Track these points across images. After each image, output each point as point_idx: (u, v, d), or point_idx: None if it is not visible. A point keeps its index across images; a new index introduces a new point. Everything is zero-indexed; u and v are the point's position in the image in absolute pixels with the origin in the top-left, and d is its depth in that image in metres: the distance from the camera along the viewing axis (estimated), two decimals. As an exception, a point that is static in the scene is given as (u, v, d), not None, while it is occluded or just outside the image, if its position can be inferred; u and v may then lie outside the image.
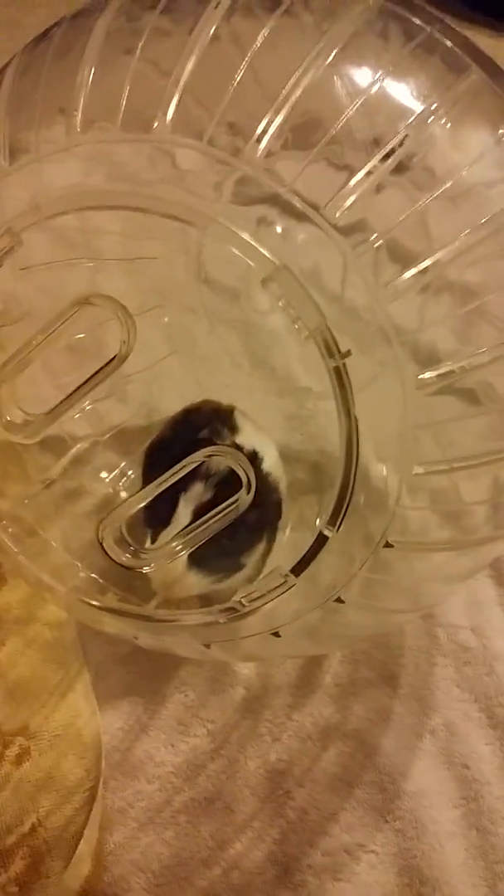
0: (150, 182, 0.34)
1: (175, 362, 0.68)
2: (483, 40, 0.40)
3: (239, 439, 0.51)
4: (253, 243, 0.33)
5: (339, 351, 0.34)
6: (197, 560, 0.46)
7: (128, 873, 0.48)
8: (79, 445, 0.62)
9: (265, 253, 0.33)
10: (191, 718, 0.53)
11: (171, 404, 0.59)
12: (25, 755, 0.51)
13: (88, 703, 0.54)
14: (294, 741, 0.52)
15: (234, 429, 0.52)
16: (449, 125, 0.36)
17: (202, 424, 0.52)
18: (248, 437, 0.52)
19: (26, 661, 0.55)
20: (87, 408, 0.65)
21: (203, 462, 0.45)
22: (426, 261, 0.34)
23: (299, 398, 0.67)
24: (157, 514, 0.47)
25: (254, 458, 0.49)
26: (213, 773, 0.51)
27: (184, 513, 0.45)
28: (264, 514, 0.51)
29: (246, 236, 0.33)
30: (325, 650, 0.55)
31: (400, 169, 0.35)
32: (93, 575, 0.49)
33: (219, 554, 0.47)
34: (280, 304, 0.34)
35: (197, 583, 0.47)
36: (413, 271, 0.34)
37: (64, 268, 0.58)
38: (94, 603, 0.47)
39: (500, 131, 0.37)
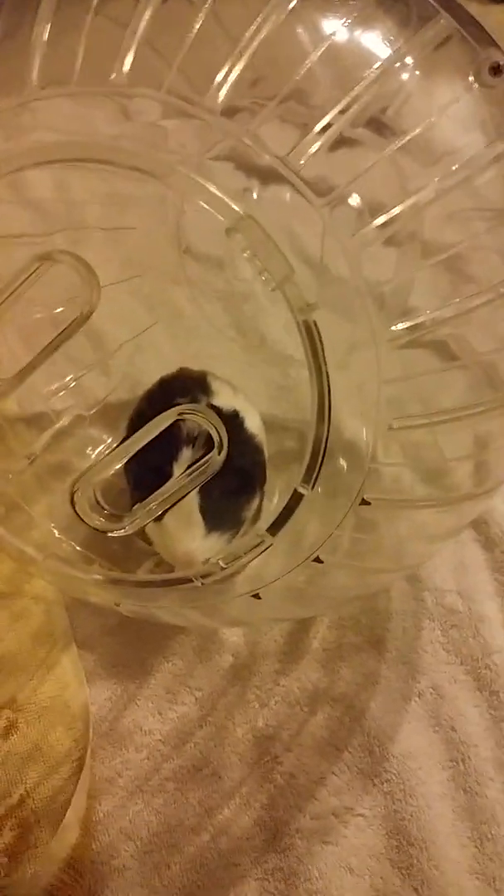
0: (109, 135, 0.34)
1: (160, 334, 0.68)
2: (472, 7, 0.39)
3: (216, 402, 0.50)
4: (215, 191, 0.32)
5: (306, 302, 0.34)
6: (211, 522, 0.46)
7: (116, 841, 0.48)
8: (62, 420, 0.61)
9: (228, 201, 0.32)
10: (179, 687, 0.53)
11: (156, 377, 0.59)
12: (13, 728, 0.50)
13: (76, 675, 0.54)
14: (282, 706, 0.52)
15: (209, 393, 0.51)
16: (417, 73, 0.36)
17: (179, 393, 0.51)
18: (226, 399, 0.51)
19: (13, 636, 0.55)
20: (72, 384, 0.65)
21: (183, 428, 0.45)
22: (393, 210, 0.34)
23: (284, 367, 0.67)
24: (148, 485, 0.46)
25: (235, 417, 0.49)
26: (201, 741, 0.51)
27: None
28: (255, 470, 0.51)
29: (209, 185, 0.33)
30: (310, 612, 0.54)
31: (365, 118, 0.35)
32: (77, 547, 0.49)
33: (226, 511, 0.48)
34: (245, 255, 0.33)
35: (212, 546, 0.47)
36: (380, 220, 0.34)
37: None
38: (78, 574, 0.46)
39: (470, 79, 0.36)
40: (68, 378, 0.64)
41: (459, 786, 0.50)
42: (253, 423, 0.52)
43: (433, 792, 0.49)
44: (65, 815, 0.47)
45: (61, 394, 0.64)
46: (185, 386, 0.53)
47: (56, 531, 0.48)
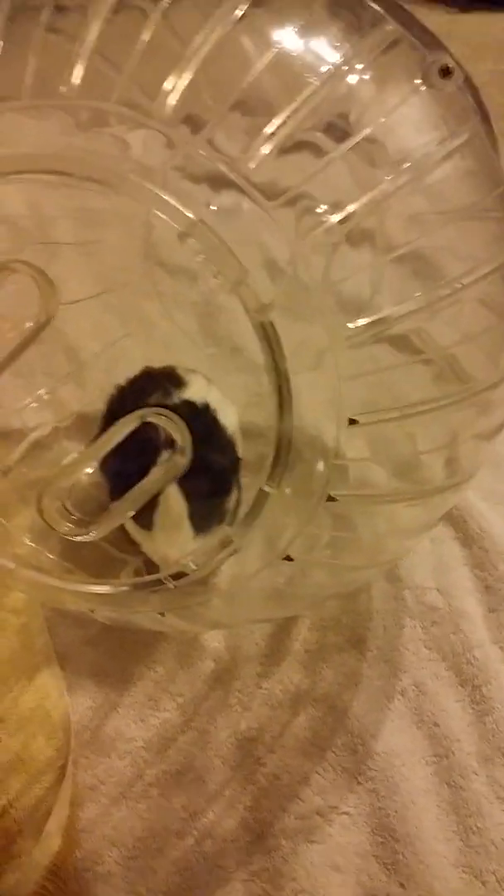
0: (62, 146, 0.34)
1: (135, 347, 0.68)
2: (439, 17, 0.40)
3: (188, 394, 0.51)
4: (167, 198, 0.33)
5: (262, 303, 0.34)
6: (198, 525, 0.47)
7: (100, 848, 0.48)
8: (37, 432, 0.62)
9: (179, 207, 0.33)
10: (160, 693, 0.53)
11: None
12: (-5, 739, 0.51)
13: (56, 685, 0.54)
14: (264, 709, 0.53)
15: (181, 385, 0.52)
16: (365, 76, 0.36)
17: (151, 390, 0.52)
18: (198, 391, 0.52)
19: (-7, 649, 0.55)
20: (45, 397, 0.66)
21: (161, 430, 0.45)
22: (348, 208, 0.34)
23: (258, 375, 0.67)
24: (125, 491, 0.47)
25: (206, 410, 0.50)
26: (183, 746, 0.51)
27: None
28: (233, 463, 0.51)
29: (161, 192, 0.33)
30: (290, 612, 0.55)
31: (320, 122, 0.35)
32: (50, 556, 0.49)
33: (210, 510, 0.48)
34: (199, 259, 0.34)
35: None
36: (334, 219, 0.34)
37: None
38: (52, 582, 0.46)
39: (417, 81, 0.37)
40: (42, 391, 0.65)
41: (444, 780, 0.50)
42: (228, 417, 0.53)
43: (417, 787, 0.49)
44: (47, 823, 0.47)
45: (34, 405, 0.65)
46: (156, 382, 0.53)
47: (29, 541, 0.48)
